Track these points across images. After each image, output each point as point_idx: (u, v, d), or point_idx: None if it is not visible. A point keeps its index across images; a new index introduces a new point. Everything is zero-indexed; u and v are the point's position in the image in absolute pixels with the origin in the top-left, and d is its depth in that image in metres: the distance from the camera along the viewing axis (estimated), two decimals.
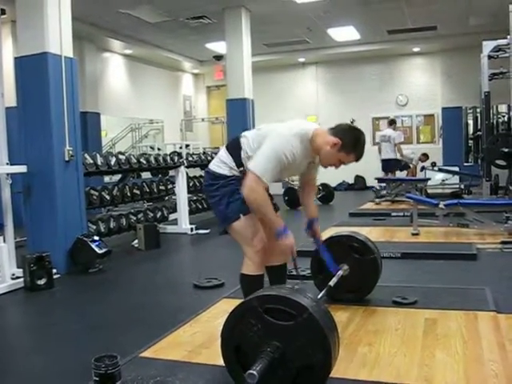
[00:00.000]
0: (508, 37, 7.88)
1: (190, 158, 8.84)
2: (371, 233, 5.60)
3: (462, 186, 11.21)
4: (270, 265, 3.18)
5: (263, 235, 2.97)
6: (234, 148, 3.04)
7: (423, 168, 12.05)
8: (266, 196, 2.82)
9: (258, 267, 2.99)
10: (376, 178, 10.44)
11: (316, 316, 2.16)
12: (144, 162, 7.33)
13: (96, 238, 5.52)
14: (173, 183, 8.19)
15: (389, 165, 10.89)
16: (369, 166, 9.14)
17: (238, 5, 9.80)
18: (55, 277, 4.99)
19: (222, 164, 3.05)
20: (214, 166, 3.10)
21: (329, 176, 7.18)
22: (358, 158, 2.99)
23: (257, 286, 2.77)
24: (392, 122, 11.49)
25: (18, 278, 4.89)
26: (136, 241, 6.80)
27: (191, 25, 10.87)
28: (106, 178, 10.15)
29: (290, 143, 2.82)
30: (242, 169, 2.99)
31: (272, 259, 3.12)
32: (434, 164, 12.07)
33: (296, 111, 15.33)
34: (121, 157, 6.89)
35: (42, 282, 4.76)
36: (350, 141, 2.90)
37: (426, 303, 3.63)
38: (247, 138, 3.02)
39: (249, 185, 2.77)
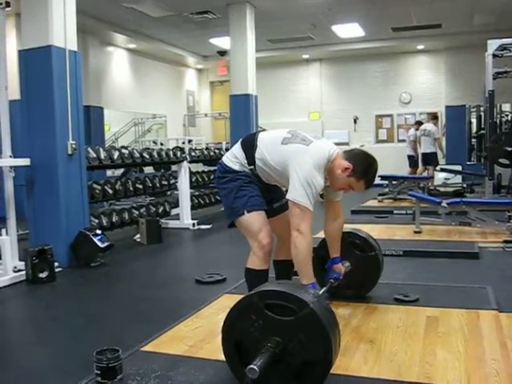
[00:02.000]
0: None
1: (193, 154, 8.83)
2: (373, 230, 5.58)
3: (465, 185, 11.20)
4: (277, 259, 3.19)
5: (270, 230, 2.98)
6: (249, 145, 3.04)
7: (425, 168, 12.05)
8: (307, 253, 2.80)
9: (263, 262, 2.99)
10: (379, 176, 10.43)
11: (317, 312, 2.16)
12: (147, 156, 7.33)
13: (98, 231, 5.52)
14: (175, 178, 8.19)
15: (427, 159, 11.41)
16: None
17: (242, 0, 9.78)
18: (57, 270, 5.00)
19: (234, 159, 3.07)
20: (226, 159, 3.12)
21: None
22: (367, 185, 2.98)
23: (261, 280, 2.79)
24: (434, 117, 11.82)
25: (19, 270, 4.90)
26: (138, 235, 6.81)
27: (195, 20, 10.85)
28: (109, 172, 10.17)
29: (315, 175, 2.80)
30: (252, 167, 3.01)
31: (280, 254, 3.13)
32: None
33: (299, 108, 15.35)
34: (124, 151, 6.89)
35: (43, 275, 4.77)
36: (361, 167, 2.90)
37: (428, 301, 3.63)
38: (265, 144, 3.00)
39: (294, 241, 2.78)
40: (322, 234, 3.43)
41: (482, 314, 3.34)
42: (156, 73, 14.26)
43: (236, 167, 3.04)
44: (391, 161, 12.90)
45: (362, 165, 2.92)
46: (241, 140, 3.16)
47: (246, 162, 3.02)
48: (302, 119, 15.13)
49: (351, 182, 2.93)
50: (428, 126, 11.58)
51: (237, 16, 9.99)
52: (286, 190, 2.90)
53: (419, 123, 12.00)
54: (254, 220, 2.96)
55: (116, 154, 6.65)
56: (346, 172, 2.89)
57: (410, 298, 3.66)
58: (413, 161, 12.26)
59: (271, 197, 3.15)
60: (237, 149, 3.10)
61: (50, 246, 4.90)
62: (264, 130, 12.55)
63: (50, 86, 5.20)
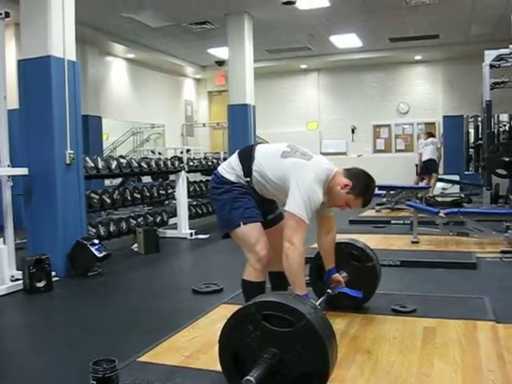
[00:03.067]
0: (510, 46, 7.90)
1: (191, 163, 8.85)
2: (371, 240, 5.60)
3: (463, 195, 11.23)
4: (273, 270, 3.19)
5: (266, 242, 2.97)
6: (246, 157, 3.05)
7: (423, 178, 12.09)
8: (299, 264, 2.79)
9: (260, 274, 2.99)
10: (377, 186, 10.41)
11: (314, 323, 2.16)
12: (145, 166, 7.33)
13: (96, 241, 5.51)
14: (173, 188, 8.19)
15: (427, 166, 11.72)
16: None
17: (240, 11, 9.81)
18: (54, 279, 4.99)
19: (230, 169, 3.07)
20: (222, 170, 3.11)
21: None
22: (365, 204, 3.03)
23: (258, 292, 2.78)
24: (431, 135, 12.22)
25: (17, 280, 4.88)
26: (135, 245, 6.80)
27: (194, 30, 10.90)
28: (107, 182, 10.17)
29: (316, 190, 2.82)
30: (248, 179, 3.01)
31: (276, 265, 3.12)
32: None
33: (297, 117, 15.37)
34: (122, 160, 6.89)
35: (41, 284, 4.76)
36: (360, 185, 2.94)
37: (425, 312, 3.63)
38: (263, 157, 3.01)
39: (286, 252, 2.77)
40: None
41: (479, 324, 3.33)
42: (154, 82, 14.29)
43: (232, 178, 3.03)
44: (389, 171, 12.94)
45: (362, 183, 2.96)
46: (238, 151, 3.16)
47: (242, 173, 3.02)
48: (299, 129, 15.15)
49: (349, 199, 2.96)
50: (430, 139, 11.94)
51: (235, 26, 10.03)
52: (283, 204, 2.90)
53: (430, 134, 12.12)
54: (251, 231, 2.96)
55: (114, 164, 6.65)
56: (346, 189, 2.92)
57: (407, 309, 3.65)
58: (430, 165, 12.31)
59: (265, 209, 3.14)
60: (234, 160, 3.10)
61: (47, 255, 4.89)
62: (262, 142, 12.70)
63: (48, 96, 5.21)
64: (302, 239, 2.79)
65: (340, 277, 3.36)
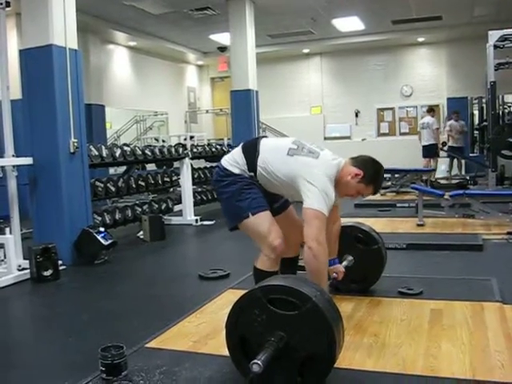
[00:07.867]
0: None
1: (195, 150, 8.84)
2: (376, 223, 5.58)
3: (468, 177, 11.20)
4: (282, 256, 3.18)
5: (279, 231, 2.91)
6: (251, 152, 2.98)
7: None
8: (326, 264, 2.78)
9: (274, 263, 2.93)
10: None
11: (320, 305, 2.17)
12: (149, 153, 7.33)
13: (101, 229, 5.52)
14: (177, 175, 8.20)
15: (427, 150, 11.56)
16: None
17: None
18: (61, 268, 5.01)
19: (234, 163, 3.00)
20: (225, 162, 3.04)
21: None
22: (376, 191, 3.00)
23: None
24: (431, 110, 11.98)
25: (24, 269, 4.90)
26: (141, 232, 6.81)
27: (195, 16, 10.84)
28: (111, 170, 10.18)
29: (329, 187, 2.79)
30: (252, 174, 2.95)
31: (286, 251, 3.11)
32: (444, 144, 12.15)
33: (301, 102, 15.32)
34: (126, 148, 6.89)
35: (48, 273, 4.78)
36: (371, 173, 2.92)
37: (432, 294, 3.63)
38: (269, 152, 2.96)
39: (314, 253, 2.68)
40: None
41: (486, 306, 3.33)
42: (157, 70, 14.24)
43: (236, 171, 2.97)
44: (393, 154, 12.88)
45: (372, 170, 2.93)
46: (242, 144, 3.09)
47: (246, 167, 2.96)
48: (303, 114, 15.12)
49: (360, 187, 2.93)
50: (426, 118, 11.76)
51: (236, 12, 9.97)
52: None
53: (432, 110, 11.98)
54: (262, 221, 2.89)
55: (118, 152, 6.66)
56: (356, 178, 2.89)
57: (413, 291, 3.65)
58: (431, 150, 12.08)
59: (270, 199, 3.07)
60: (237, 153, 3.03)
61: (53, 244, 4.91)
62: (266, 129, 12.73)
63: (51, 85, 5.20)
64: (325, 236, 2.75)
65: (341, 268, 3.30)
